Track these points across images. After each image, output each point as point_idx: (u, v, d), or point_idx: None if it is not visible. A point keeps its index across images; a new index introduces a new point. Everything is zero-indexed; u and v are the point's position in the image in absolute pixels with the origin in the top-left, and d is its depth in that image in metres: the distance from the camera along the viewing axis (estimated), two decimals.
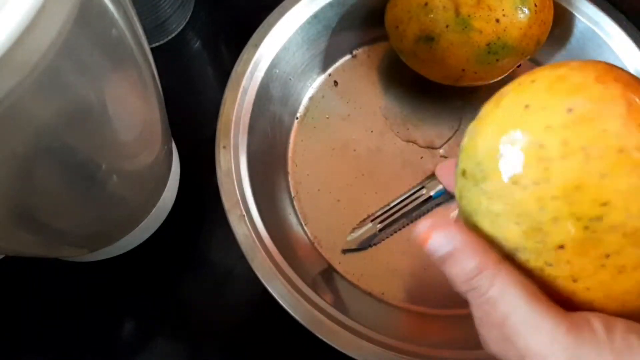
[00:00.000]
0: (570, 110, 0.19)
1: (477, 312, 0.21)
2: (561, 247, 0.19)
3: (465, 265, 0.20)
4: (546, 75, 0.21)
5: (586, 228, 0.19)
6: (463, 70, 0.38)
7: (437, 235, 0.21)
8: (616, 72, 0.20)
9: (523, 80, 0.21)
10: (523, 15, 0.35)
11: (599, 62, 0.21)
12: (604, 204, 0.18)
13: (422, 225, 0.22)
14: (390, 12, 0.39)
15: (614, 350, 0.18)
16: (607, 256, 0.19)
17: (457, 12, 0.36)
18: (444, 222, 0.21)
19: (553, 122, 0.19)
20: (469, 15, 0.35)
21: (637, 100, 0.19)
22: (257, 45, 0.39)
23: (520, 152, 0.20)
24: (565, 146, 0.19)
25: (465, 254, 0.20)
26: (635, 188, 0.18)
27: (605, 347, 0.18)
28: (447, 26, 0.36)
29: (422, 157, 0.42)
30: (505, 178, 0.20)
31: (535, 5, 0.36)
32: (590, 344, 0.19)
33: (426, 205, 0.40)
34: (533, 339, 0.19)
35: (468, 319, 0.36)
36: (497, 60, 0.37)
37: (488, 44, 0.36)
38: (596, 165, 0.18)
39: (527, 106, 0.20)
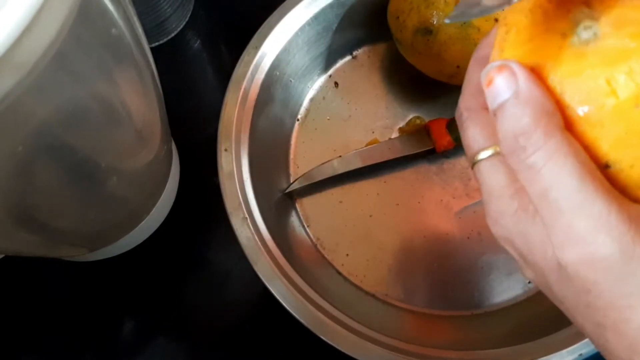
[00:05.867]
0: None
1: (500, 181, 0.18)
2: None
3: (520, 118, 0.17)
4: None
5: None
6: (458, 67, 0.37)
7: (501, 78, 0.17)
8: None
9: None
10: None
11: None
12: None
13: (491, 65, 0.18)
14: (393, 3, 0.39)
15: None
16: None
17: None
18: (517, 67, 0.17)
19: None
20: None
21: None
22: (257, 47, 0.38)
23: None
24: None
25: (524, 105, 0.17)
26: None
27: None
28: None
29: (423, 157, 0.41)
30: None
31: None
32: None
33: None
34: (577, 219, 0.16)
35: (472, 320, 0.37)
36: None
37: None
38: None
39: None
